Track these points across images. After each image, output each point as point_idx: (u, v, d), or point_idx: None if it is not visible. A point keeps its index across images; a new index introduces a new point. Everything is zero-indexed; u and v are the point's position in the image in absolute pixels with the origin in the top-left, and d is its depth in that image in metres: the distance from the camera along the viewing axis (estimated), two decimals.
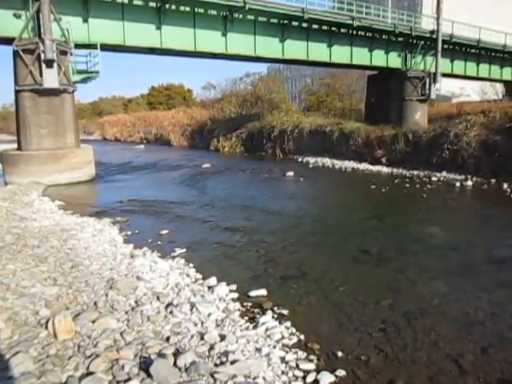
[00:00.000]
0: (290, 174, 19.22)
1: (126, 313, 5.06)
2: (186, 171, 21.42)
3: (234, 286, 6.27)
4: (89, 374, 3.73)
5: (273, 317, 5.37)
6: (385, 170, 20.69)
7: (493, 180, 16.68)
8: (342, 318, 5.48)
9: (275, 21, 21.85)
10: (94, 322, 4.65)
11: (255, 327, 5.05)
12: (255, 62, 26.24)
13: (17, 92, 16.70)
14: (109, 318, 4.75)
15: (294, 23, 22.27)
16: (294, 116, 30.40)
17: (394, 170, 20.22)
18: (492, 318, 5.48)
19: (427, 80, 25.64)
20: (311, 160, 24.84)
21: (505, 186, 15.47)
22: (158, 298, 5.58)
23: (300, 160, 25.67)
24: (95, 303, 5.20)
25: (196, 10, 19.84)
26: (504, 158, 17.19)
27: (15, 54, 16.33)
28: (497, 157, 17.44)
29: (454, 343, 4.86)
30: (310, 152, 26.12)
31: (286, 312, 5.54)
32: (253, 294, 6.09)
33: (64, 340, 4.21)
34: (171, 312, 5.19)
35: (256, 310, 5.60)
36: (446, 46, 25.99)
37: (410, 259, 7.78)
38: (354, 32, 23.91)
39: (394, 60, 25.83)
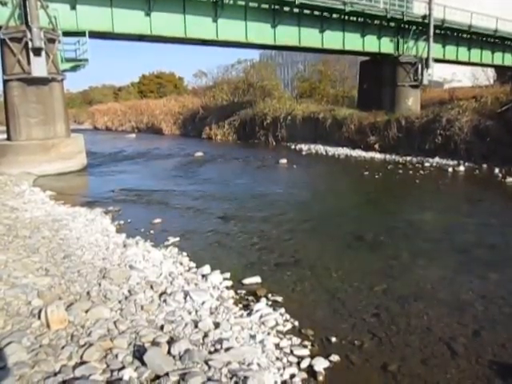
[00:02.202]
0: (283, 161, 19.20)
1: (120, 302, 5.05)
2: (178, 160, 21.32)
3: (227, 274, 6.27)
4: (82, 363, 3.72)
5: (267, 304, 5.39)
6: (378, 156, 20.72)
7: (484, 165, 16.78)
8: (335, 303, 5.51)
9: (266, 6, 21.62)
10: (87, 311, 4.63)
11: (249, 314, 5.06)
12: (247, 48, 26.03)
13: (5, 81, 16.46)
14: (102, 308, 4.74)
15: (286, 8, 22.05)
16: (286, 103, 30.28)
17: (387, 157, 20.25)
18: (484, 301, 5.53)
19: (419, 65, 25.57)
20: (304, 147, 24.81)
21: (496, 170, 15.57)
22: (151, 287, 5.57)
23: (293, 147, 25.63)
24: (88, 293, 5.18)
25: None
26: (495, 143, 17.28)
27: (2, 42, 16.05)
28: (488, 142, 17.52)
29: (446, 327, 4.90)
30: (303, 139, 26.08)
31: (280, 299, 5.56)
32: (247, 281, 6.11)
33: (57, 330, 4.19)
34: (165, 301, 5.18)
35: (250, 298, 5.62)
36: (437, 31, 25.90)
37: (403, 244, 7.82)
38: (346, 17, 23.73)
39: (387, 45, 25.72)
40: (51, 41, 16.54)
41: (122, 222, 9.45)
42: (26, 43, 15.75)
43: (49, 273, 5.72)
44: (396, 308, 5.37)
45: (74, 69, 18.30)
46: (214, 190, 13.12)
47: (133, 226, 9.12)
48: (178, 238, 8.17)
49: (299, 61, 56.33)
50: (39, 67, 15.99)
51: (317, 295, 5.75)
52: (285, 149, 25.19)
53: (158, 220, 9.55)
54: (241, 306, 5.36)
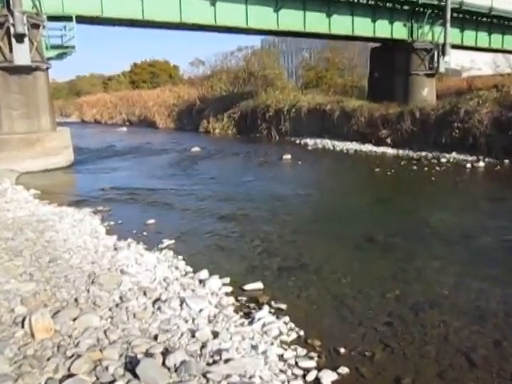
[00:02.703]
0: (287, 157, 19.20)
1: (110, 309, 5.06)
2: (173, 156, 21.34)
3: (227, 279, 6.28)
4: (70, 375, 3.72)
5: (270, 311, 5.38)
6: (390, 151, 20.70)
7: (506, 160, 16.73)
8: (344, 311, 5.51)
9: None
10: (74, 319, 4.63)
11: (251, 323, 5.06)
12: (247, 34, 25.98)
13: None
14: (91, 316, 4.74)
15: None
16: (290, 94, 30.25)
17: (400, 152, 20.23)
18: (505, 308, 5.52)
19: (435, 52, 25.51)
20: (310, 142, 24.80)
21: None
22: (144, 294, 5.58)
23: (298, 142, 25.62)
24: (76, 300, 5.18)
25: None
26: None
27: None
28: (510, 135, 17.47)
29: (464, 336, 4.90)
30: (308, 133, 26.06)
31: (284, 306, 5.56)
32: (248, 287, 6.11)
33: (42, 340, 4.20)
34: (159, 308, 5.19)
35: (251, 305, 5.62)
36: (455, 15, 25.82)
37: (417, 247, 7.81)
38: (355, 0, 23.69)
39: (399, 31, 25.64)
40: (35, 26, 16.55)
41: (112, 222, 9.45)
42: (8, 29, 15.75)
43: (33, 278, 5.73)
44: (410, 316, 5.36)
45: (59, 57, 18.29)
46: (212, 189, 13.12)
47: (124, 228, 9.12)
48: (173, 241, 8.17)
49: (304, 48, 56.23)
50: (22, 55, 15.99)
51: (324, 302, 5.75)
52: (289, 143, 25.18)
53: (151, 221, 9.55)
54: (241, 313, 5.35)
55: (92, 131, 39.17)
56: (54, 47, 17.97)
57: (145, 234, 8.71)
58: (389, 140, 21.88)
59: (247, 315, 5.31)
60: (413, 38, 25.97)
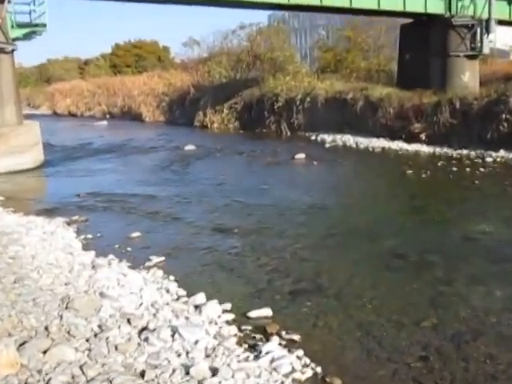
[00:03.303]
0: (301, 156, 19.19)
1: (87, 340, 5.06)
2: (162, 155, 21.39)
3: (228, 305, 6.27)
4: None
5: (280, 344, 5.37)
6: (424, 149, 20.63)
7: None
8: (370, 343, 5.48)
9: None
10: (45, 352, 4.64)
11: (257, 358, 5.05)
12: (251, 8, 26.04)
13: None
14: (65, 347, 4.75)
15: None
16: (304, 80, 30.20)
17: (437, 150, 20.17)
18: None
19: (478, 29, 25.41)
20: (328, 138, 24.75)
21: None
22: (128, 321, 5.58)
23: (313, 138, 25.58)
24: (46, 328, 5.19)
25: None
26: None
27: None
28: None
29: None
30: (325, 127, 26.02)
31: (297, 337, 5.55)
32: (253, 314, 6.10)
33: (6, 376, 4.20)
34: (146, 339, 5.18)
35: (258, 336, 5.61)
36: None
37: (458, 266, 7.78)
38: None
39: (435, 4, 25.60)
40: None
41: (89, 235, 9.47)
42: None
43: None
44: (449, 349, 5.33)
45: (27, 36, 18.44)
46: (210, 195, 13.14)
47: (104, 242, 9.14)
48: (163, 258, 8.17)
49: (321, 25, 56.40)
50: None
51: (345, 332, 5.73)
52: (302, 140, 25.14)
53: (136, 233, 9.57)
54: (246, 346, 5.34)
55: (66, 125, 39.35)
56: (21, 25, 18.10)
57: (129, 249, 8.72)
58: (423, 136, 21.79)
59: (253, 348, 5.30)
60: (451, 12, 25.91)
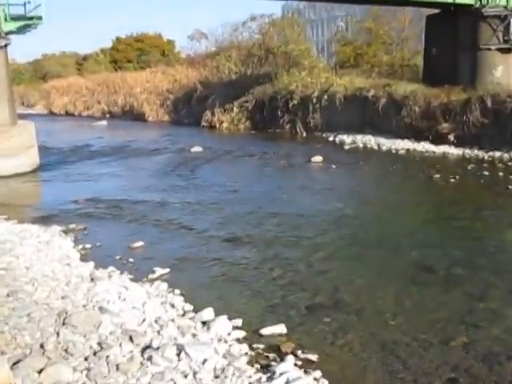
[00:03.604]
0: (318, 159, 19.17)
1: (86, 359, 5.08)
2: (167, 158, 21.46)
3: (238, 321, 6.28)
4: None
5: (295, 364, 5.36)
6: (453, 151, 20.54)
7: None
8: (394, 364, 5.46)
9: None
10: (40, 371, 4.67)
11: (270, 379, 5.05)
12: None
13: None
14: (61, 367, 4.77)
15: None
16: (321, 76, 30.17)
17: (467, 152, 20.07)
18: None
19: (511, 20, 25.36)
20: (347, 139, 24.72)
21: None
22: (130, 339, 5.59)
23: (331, 139, 25.56)
24: (42, 345, 5.22)
25: None
26: None
27: None
28: None
29: None
30: (344, 127, 25.99)
31: (314, 357, 5.53)
32: (266, 331, 6.10)
33: None
34: (150, 358, 5.19)
35: (271, 355, 5.60)
36: None
37: (491, 280, 7.72)
38: None
39: None
40: None
41: (88, 245, 9.51)
42: None
43: None
44: (482, 370, 5.31)
45: (22, 30, 18.57)
46: (219, 201, 13.14)
47: (104, 252, 9.18)
48: (167, 269, 8.19)
49: (339, 16, 56.39)
50: None
51: (367, 352, 5.71)
52: (319, 141, 25.11)
53: (139, 243, 9.59)
54: (258, 366, 5.34)
55: (62, 126, 39.57)
56: (15, 18, 18.23)
57: (131, 260, 8.75)
58: (451, 136, 21.69)
59: (265, 368, 5.29)
60: (481, 2, 25.85)
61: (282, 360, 5.43)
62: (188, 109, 37.90)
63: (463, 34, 26.07)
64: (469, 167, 17.14)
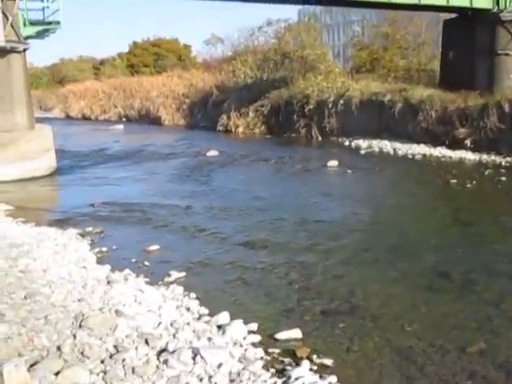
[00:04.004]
0: (333, 163, 19.15)
1: (102, 362, 5.10)
2: (182, 162, 21.52)
3: (254, 325, 6.27)
4: None
5: (311, 369, 5.34)
6: (470, 156, 20.43)
7: None
8: (410, 370, 5.42)
9: None
10: (57, 373, 4.69)
11: None
12: (280, 3, 26.18)
13: None
14: (78, 369, 4.79)
15: None
16: (337, 80, 30.16)
17: (484, 157, 19.96)
18: None
19: None
20: (363, 143, 24.68)
21: None
22: (146, 342, 5.61)
23: (347, 143, 25.54)
24: (59, 348, 5.24)
25: None
26: None
27: None
28: None
29: None
30: (360, 132, 25.94)
31: (329, 362, 5.51)
32: (282, 336, 6.08)
33: None
34: (165, 361, 5.20)
35: (287, 360, 5.58)
36: None
37: (508, 286, 7.68)
38: None
39: None
40: None
41: (104, 248, 9.57)
42: None
43: (5, 318, 5.84)
44: (499, 377, 5.26)
45: (40, 35, 18.74)
46: (234, 205, 13.16)
47: (120, 255, 9.22)
48: (183, 273, 8.21)
49: (355, 21, 56.38)
50: None
51: (383, 357, 5.68)
52: (335, 146, 25.11)
53: (155, 246, 9.63)
54: (273, 370, 5.32)
55: (79, 129, 39.85)
56: (33, 23, 18.40)
57: (146, 263, 8.77)
58: (468, 141, 21.57)
59: (281, 373, 5.28)
60: (499, 6, 25.68)
61: (298, 365, 5.41)
62: (204, 113, 38.05)
63: (480, 38, 25.94)
64: (486, 172, 17.03)
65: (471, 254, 9.19)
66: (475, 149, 21.07)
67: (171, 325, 6.17)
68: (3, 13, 16.61)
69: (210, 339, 5.85)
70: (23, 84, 18.04)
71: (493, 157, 19.80)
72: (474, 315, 6.69)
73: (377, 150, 23.42)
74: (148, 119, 44.29)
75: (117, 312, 6.33)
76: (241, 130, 32.90)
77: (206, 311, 6.71)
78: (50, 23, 18.58)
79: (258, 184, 16.38)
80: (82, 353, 5.22)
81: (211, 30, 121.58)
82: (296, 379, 5.08)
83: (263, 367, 5.34)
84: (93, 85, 58.49)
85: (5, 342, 5.21)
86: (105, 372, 4.91)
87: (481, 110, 21.46)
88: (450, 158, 20.57)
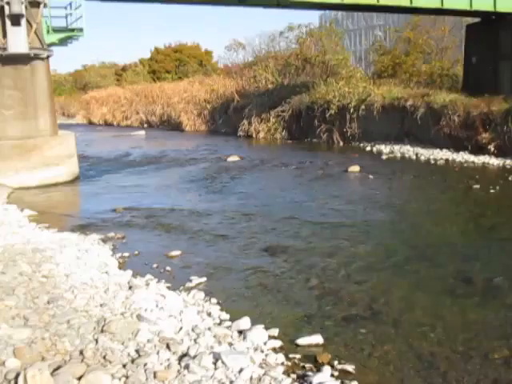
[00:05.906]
0: (355, 169, 19.10)
1: (124, 366, 5.13)
2: (204, 167, 21.61)
3: (275, 331, 6.27)
4: None
5: (332, 375, 5.33)
6: (493, 161, 20.27)
7: None
8: (433, 377, 5.38)
9: None
10: (79, 378, 4.72)
11: None
12: (301, 8, 26.21)
13: None
14: (100, 374, 4.82)
15: None
16: (358, 86, 30.06)
17: (508, 162, 19.77)
18: None
19: None
20: (385, 149, 24.60)
21: None
22: (167, 347, 5.64)
23: (368, 149, 25.48)
24: (81, 352, 5.29)
25: None
26: None
27: None
28: None
29: None
30: (382, 137, 25.86)
31: (351, 368, 5.49)
32: (303, 341, 6.08)
33: None
34: (187, 366, 5.22)
35: (308, 365, 5.58)
36: None
37: None
38: None
39: (505, 1, 25.22)
40: (34, 4, 17.18)
41: (126, 253, 9.65)
42: (2, 8, 16.46)
43: (28, 322, 5.91)
44: None
45: (63, 42, 18.94)
46: (255, 211, 13.18)
47: (142, 260, 9.30)
48: (204, 278, 8.25)
49: (377, 26, 56.26)
50: (18, 40, 16.62)
51: (405, 363, 5.64)
52: (356, 151, 25.05)
53: (176, 252, 9.68)
54: (294, 376, 5.32)
55: (101, 136, 40.21)
56: (57, 30, 18.61)
57: (168, 268, 8.83)
58: (491, 147, 21.39)
59: (302, 379, 5.28)
60: None
61: (319, 370, 5.41)
62: (225, 118, 38.19)
63: (504, 42, 25.77)
64: (510, 178, 16.87)
65: (494, 260, 9.13)
66: (499, 154, 20.90)
67: (192, 330, 6.19)
68: (27, 20, 16.81)
69: (230, 344, 5.87)
70: (46, 91, 18.25)
71: None
72: (498, 321, 6.64)
73: (399, 155, 23.33)
74: (169, 125, 44.55)
75: (138, 317, 6.37)
76: (262, 135, 32.97)
77: (227, 316, 6.74)
78: (73, 30, 18.78)
79: (279, 189, 16.38)
80: (104, 357, 5.26)
81: (232, 35, 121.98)
82: None
83: (284, 373, 5.34)
84: (115, 91, 58.99)
85: (29, 347, 5.27)
86: (127, 376, 4.94)
87: (505, 114, 21.28)
88: (473, 163, 20.42)
